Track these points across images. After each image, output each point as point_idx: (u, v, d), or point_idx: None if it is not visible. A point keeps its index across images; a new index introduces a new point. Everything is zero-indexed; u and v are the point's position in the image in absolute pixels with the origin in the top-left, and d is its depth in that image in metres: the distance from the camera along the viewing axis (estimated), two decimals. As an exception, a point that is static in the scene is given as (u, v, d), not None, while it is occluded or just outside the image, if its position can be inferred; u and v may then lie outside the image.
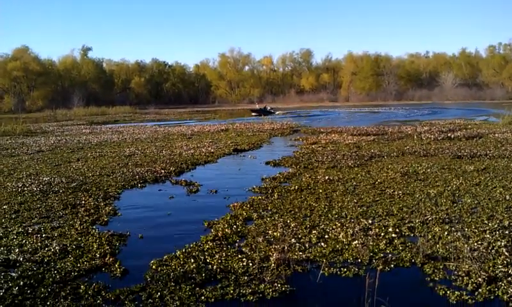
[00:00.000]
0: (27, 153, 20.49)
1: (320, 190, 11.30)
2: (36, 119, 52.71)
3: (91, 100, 79.52)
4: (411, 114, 49.57)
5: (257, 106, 56.86)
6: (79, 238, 8.17)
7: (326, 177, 12.81)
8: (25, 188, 12.36)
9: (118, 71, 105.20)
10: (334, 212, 9.25)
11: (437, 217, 8.67)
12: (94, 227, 8.93)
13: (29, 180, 13.50)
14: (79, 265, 6.93)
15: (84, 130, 33.87)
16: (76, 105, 72.07)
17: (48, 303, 5.70)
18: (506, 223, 8.13)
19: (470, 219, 8.49)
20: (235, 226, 8.56)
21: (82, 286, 6.13)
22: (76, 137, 27.87)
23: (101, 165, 16.45)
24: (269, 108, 55.91)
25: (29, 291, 6.03)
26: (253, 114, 52.10)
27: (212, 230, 8.43)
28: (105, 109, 70.00)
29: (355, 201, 10.16)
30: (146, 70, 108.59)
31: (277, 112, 54.84)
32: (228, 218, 9.14)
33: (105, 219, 9.54)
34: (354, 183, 12.12)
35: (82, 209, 10.22)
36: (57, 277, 6.46)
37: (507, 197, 10.00)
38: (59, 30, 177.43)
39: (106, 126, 38.73)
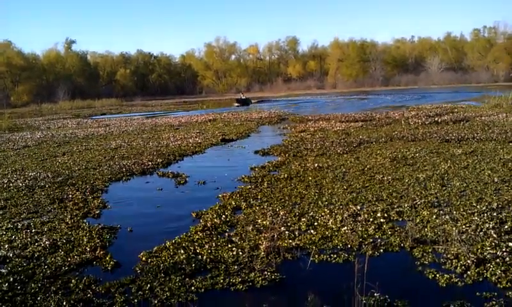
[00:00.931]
0: (13, 149, 20.24)
1: (310, 178, 11.27)
2: (22, 114, 52.02)
3: (77, 94, 78.53)
4: (398, 99, 49.63)
5: (243, 96, 56.26)
6: (69, 232, 8.13)
7: (316, 164, 12.77)
8: (11, 184, 12.24)
9: (103, 64, 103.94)
10: (324, 199, 9.25)
11: (426, 201, 8.72)
12: (85, 221, 8.88)
13: (15, 176, 13.36)
14: (69, 259, 6.88)
15: (70, 124, 33.50)
16: (62, 99, 71.18)
17: (38, 298, 5.66)
18: (495, 205, 8.21)
19: (458, 202, 8.56)
20: (223, 216, 8.54)
21: (73, 280, 6.10)
22: (62, 131, 27.56)
23: (87, 158, 16.30)
24: (244, 97, 55.78)
25: (19, 287, 5.98)
26: (236, 104, 51.37)
27: (201, 221, 8.40)
28: (91, 102, 69.31)
29: (345, 187, 10.16)
30: (132, 61, 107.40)
31: (252, 101, 55.83)
32: (217, 208, 9.10)
33: (97, 212, 9.51)
34: (344, 169, 12.10)
35: (71, 203, 10.14)
36: (48, 272, 6.42)
37: (496, 179, 10.07)
38: (41, 23, 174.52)
39: (93, 119, 38.34)
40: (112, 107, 62.30)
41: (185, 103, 63.98)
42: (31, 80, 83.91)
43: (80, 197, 10.65)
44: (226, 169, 13.48)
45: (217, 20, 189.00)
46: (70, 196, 10.80)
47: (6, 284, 6.05)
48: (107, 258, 6.86)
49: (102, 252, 7.08)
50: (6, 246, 7.52)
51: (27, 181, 12.52)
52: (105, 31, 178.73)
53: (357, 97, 60.37)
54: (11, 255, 7.12)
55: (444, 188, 9.64)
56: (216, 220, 8.28)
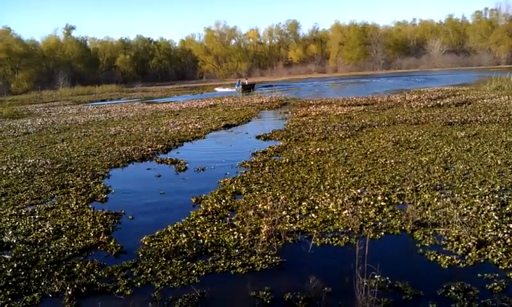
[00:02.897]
0: (13, 136, 20.22)
1: (312, 162, 11.21)
2: (22, 101, 51.83)
3: (77, 80, 78.27)
4: (400, 83, 49.26)
5: (246, 81, 54.18)
6: (73, 218, 8.15)
7: (318, 149, 12.69)
8: (10, 171, 12.22)
9: (103, 50, 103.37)
10: (326, 184, 9.21)
11: (429, 184, 8.68)
12: (90, 206, 8.91)
13: (14, 163, 13.37)
14: (73, 244, 6.89)
15: (71, 110, 33.42)
16: (62, 85, 70.97)
17: (42, 283, 5.68)
18: (497, 187, 8.21)
19: (461, 185, 8.52)
20: (223, 201, 8.52)
21: (77, 265, 6.12)
22: (63, 118, 27.51)
23: (86, 145, 16.28)
24: (247, 82, 53.45)
25: (23, 273, 6.00)
26: (235, 88, 49.75)
27: (201, 205, 8.39)
28: (91, 88, 69.01)
29: (347, 171, 10.12)
30: (131, 47, 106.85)
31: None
32: (217, 193, 9.09)
33: (104, 197, 9.57)
34: (346, 153, 12.04)
35: (73, 189, 10.14)
36: (52, 257, 6.44)
37: (499, 161, 10.03)
38: (40, 10, 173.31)
39: (93, 106, 38.24)
40: (112, 93, 62.09)
41: (185, 89, 63.73)
42: (31, 67, 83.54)
43: (81, 183, 10.62)
44: (227, 154, 13.42)
45: (217, 4, 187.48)
46: (71, 182, 10.78)
47: (10, 270, 6.07)
48: (111, 243, 6.87)
49: (105, 237, 7.10)
50: (10, 232, 7.54)
51: (26, 168, 12.52)
52: (105, 16, 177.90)
53: (356, 81, 60.04)
54: (14, 241, 7.14)
55: (447, 171, 9.59)
56: (216, 205, 8.27)
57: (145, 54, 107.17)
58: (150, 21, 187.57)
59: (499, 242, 5.98)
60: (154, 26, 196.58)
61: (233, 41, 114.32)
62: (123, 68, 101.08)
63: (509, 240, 5.97)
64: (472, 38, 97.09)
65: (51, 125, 24.01)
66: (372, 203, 7.81)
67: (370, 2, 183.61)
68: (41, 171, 12.13)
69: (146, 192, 9.93)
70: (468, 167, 9.75)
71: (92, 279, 5.70)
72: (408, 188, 8.45)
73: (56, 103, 45.16)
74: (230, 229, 7.08)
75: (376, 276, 5.02)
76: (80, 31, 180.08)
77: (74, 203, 9.06)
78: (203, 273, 5.75)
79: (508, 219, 6.68)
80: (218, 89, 53.07)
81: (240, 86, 48.89)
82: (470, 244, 5.95)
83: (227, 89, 51.55)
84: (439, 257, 5.75)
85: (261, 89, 49.40)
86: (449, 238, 6.25)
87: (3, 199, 9.65)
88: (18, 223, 8.02)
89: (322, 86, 53.82)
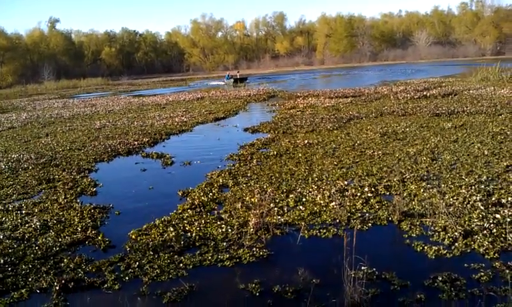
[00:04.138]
0: (-3, 131, 19.87)
1: (300, 155, 11.22)
2: (7, 95, 51.20)
3: (62, 73, 77.47)
4: (387, 75, 49.50)
5: (238, 74, 52.83)
6: (60, 213, 8.07)
7: (305, 141, 12.71)
8: (-7, 166, 12.01)
9: (88, 43, 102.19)
10: (314, 176, 9.21)
11: (416, 175, 8.74)
12: (78, 200, 8.84)
13: (-3, 158, 13.12)
14: (60, 239, 6.84)
15: (56, 104, 33.05)
16: (47, 79, 70.22)
17: (30, 279, 5.64)
18: (484, 178, 8.25)
19: (448, 176, 8.58)
20: (210, 194, 8.50)
21: (65, 260, 6.08)
22: (48, 112, 27.21)
23: (71, 139, 16.15)
24: (239, 75, 51.92)
25: (10, 269, 5.94)
26: (224, 82, 48.85)
27: (188, 198, 8.36)
28: (76, 81, 68.37)
29: (335, 163, 10.13)
30: (117, 40, 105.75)
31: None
32: (204, 186, 9.05)
33: (93, 190, 9.55)
34: (334, 145, 12.06)
35: (60, 183, 10.07)
36: (39, 253, 6.38)
37: (485, 152, 10.11)
38: (24, 2, 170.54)
39: (79, 99, 37.83)
40: (98, 86, 61.59)
41: (171, 81, 63.28)
42: (15, 60, 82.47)
43: (68, 177, 10.53)
44: (214, 147, 13.38)
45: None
46: (57, 176, 10.68)
47: (-3, 266, 6.00)
48: (99, 238, 6.82)
49: (93, 231, 7.05)
50: (-4, 228, 7.43)
51: (10, 163, 12.38)
52: (89, 9, 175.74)
53: (346, 73, 60.16)
54: (1, 237, 7.05)
55: (434, 162, 9.66)
56: (203, 198, 8.24)
57: (131, 47, 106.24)
58: (136, 13, 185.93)
59: (485, 231, 6.03)
60: (140, 18, 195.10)
61: (219, 34, 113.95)
62: (109, 61, 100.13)
63: (495, 230, 6.03)
64: (458, 30, 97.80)
65: (36, 119, 23.75)
66: (359, 194, 7.84)
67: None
68: (25, 166, 11.99)
69: (133, 186, 9.85)
70: (455, 158, 9.82)
71: (80, 274, 5.65)
72: (395, 179, 8.48)
73: (41, 97, 44.63)
74: (218, 222, 7.06)
75: (363, 267, 5.05)
76: (64, 23, 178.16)
77: (62, 197, 8.97)
78: (191, 266, 5.73)
79: (494, 208, 6.74)
80: (213, 82, 51.57)
81: (231, 79, 48.00)
82: (456, 234, 6.00)
83: (221, 82, 49.67)
84: (426, 247, 5.78)
85: (257, 80, 49.03)
86: (436, 228, 6.29)
87: (-12, 195, 9.50)
88: (5, 218, 7.92)
89: (309, 79, 53.78)
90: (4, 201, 9.01)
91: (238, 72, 58.50)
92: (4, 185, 10.26)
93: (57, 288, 5.31)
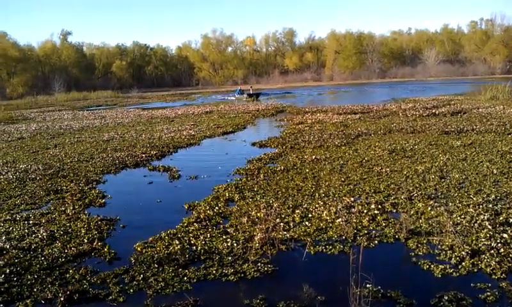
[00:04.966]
0: (6, 141, 20.09)
1: (307, 170, 11.21)
2: (18, 106, 51.67)
3: (72, 85, 78.08)
4: (397, 92, 49.41)
5: (251, 90, 50.88)
6: (67, 224, 8.11)
7: (313, 157, 12.69)
8: (1, 176, 12.14)
9: (99, 55, 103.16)
10: (321, 192, 9.18)
11: (423, 193, 8.69)
12: (86, 212, 8.89)
13: (5, 168, 13.26)
14: (66, 250, 6.86)
15: (66, 116, 33.31)
16: (57, 90, 70.73)
17: (35, 289, 5.65)
18: (492, 197, 8.20)
19: (456, 194, 8.53)
20: (216, 208, 8.50)
21: (70, 271, 6.10)
22: (58, 123, 27.42)
23: (79, 151, 16.23)
24: (252, 91, 50.19)
25: (15, 279, 5.97)
26: (235, 96, 47.91)
27: (194, 212, 8.38)
28: (87, 93, 68.86)
29: (342, 179, 10.10)
30: (128, 53, 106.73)
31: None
32: (210, 200, 9.06)
33: (102, 202, 9.62)
34: (342, 161, 12.04)
35: (68, 194, 10.11)
36: (45, 263, 6.41)
37: (494, 171, 10.05)
38: (37, 15, 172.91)
39: (88, 111, 38.13)
40: (108, 98, 61.92)
41: (180, 95, 63.60)
42: (27, 71, 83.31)
43: (76, 188, 10.59)
44: (222, 161, 13.40)
45: (214, 12, 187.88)
46: (65, 187, 10.74)
47: (3, 275, 6.03)
48: (105, 249, 6.84)
49: (99, 243, 7.08)
50: (3, 238, 7.50)
51: (17, 173, 12.48)
52: (101, 22, 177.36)
53: (358, 91, 60.20)
54: (8, 247, 7.09)
55: (443, 180, 9.61)
56: (208, 211, 8.26)
57: (141, 60, 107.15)
58: (147, 27, 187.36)
59: (492, 251, 5.98)
60: (151, 32, 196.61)
61: (229, 49, 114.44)
62: (119, 74, 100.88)
63: (502, 250, 5.97)
64: (467, 48, 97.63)
65: (45, 130, 23.94)
66: (366, 211, 7.81)
67: (366, 11, 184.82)
68: (33, 176, 12.07)
69: (140, 199, 9.90)
70: (463, 177, 9.76)
71: (85, 286, 5.67)
72: (402, 197, 8.44)
73: (51, 108, 45.00)
74: (224, 236, 7.06)
75: (368, 285, 5.01)
76: (76, 36, 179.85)
77: (70, 208, 9.02)
78: (195, 280, 5.72)
79: (501, 228, 6.69)
80: (220, 96, 51.00)
81: (244, 95, 46.84)
82: (463, 253, 5.95)
83: (232, 97, 48.56)
84: (432, 266, 5.74)
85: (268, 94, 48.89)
86: (443, 247, 6.24)
87: (-4, 205, 9.57)
88: (12, 228, 7.97)
89: (317, 95, 53.81)
90: (12, 211, 9.07)
91: (251, 87, 56.76)
92: (12, 195, 10.33)
93: (62, 299, 5.33)
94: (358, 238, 6.74)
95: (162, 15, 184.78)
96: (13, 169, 13.01)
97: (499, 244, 6.12)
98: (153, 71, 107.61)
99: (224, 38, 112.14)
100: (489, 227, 6.73)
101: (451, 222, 6.74)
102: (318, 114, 24.82)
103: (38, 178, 11.83)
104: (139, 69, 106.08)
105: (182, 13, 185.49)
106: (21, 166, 13.42)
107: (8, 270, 6.17)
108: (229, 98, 48.48)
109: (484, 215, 7.21)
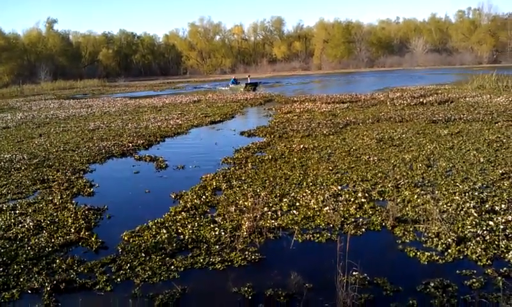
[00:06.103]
0: (-9, 130, 19.78)
1: (295, 159, 11.21)
2: (3, 95, 50.94)
3: (59, 74, 77.10)
4: (385, 81, 49.57)
5: (249, 79, 46.60)
6: (55, 214, 8.04)
7: (301, 146, 12.70)
8: (-15, 167, 11.96)
9: (85, 44, 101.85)
10: (309, 180, 9.19)
11: (410, 181, 8.75)
12: (73, 201, 8.81)
13: (-11, 158, 13.07)
14: (53, 240, 6.80)
15: (52, 105, 32.91)
16: (43, 79, 69.86)
17: (21, 279, 5.61)
18: (479, 185, 8.27)
19: (443, 182, 8.59)
20: (204, 197, 8.48)
21: (57, 261, 6.06)
22: (44, 112, 27.08)
23: (64, 140, 16.07)
24: (250, 80, 46.13)
25: (1, 269, 5.92)
26: (228, 86, 44.78)
27: (181, 201, 8.34)
28: (73, 82, 68.01)
29: (330, 168, 10.11)
30: (114, 41, 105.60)
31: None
32: (197, 189, 9.03)
33: (90, 191, 9.55)
34: (330, 151, 12.06)
35: (55, 184, 10.02)
36: (31, 253, 6.36)
37: (481, 159, 10.14)
38: (22, 2, 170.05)
39: (75, 100, 37.73)
40: (94, 87, 61.35)
41: (168, 84, 63.17)
42: (12, 60, 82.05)
43: (63, 177, 10.49)
44: (209, 151, 13.37)
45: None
46: (51, 177, 10.64)
47: (-12, 266, 5.97)
48: (93, 239, 6.80)
49: (87, 233, 7.02)
50: (-12, 228, 7.39)
51: (2, 163, 12.34)
52: (88, 10, 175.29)
53: (346, 80, 60.27)
54: (-7, 237, 7.00)
55: (429, 168, 9.67)
56: (195, 200, 8.24)
57: (128, 49, 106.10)
58: (134, 15, 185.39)
59: (478, 238, 6.03)
60: (138, 20, 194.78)
61: (217, 37, 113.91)
62: (106, 62, 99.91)
63: (488, 237, 6.04)
64: (455, 37, 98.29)
65: (31, 119, 23.64)
66: (353, 199, 7.84)
67: (355, 0, 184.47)
68: (18, 166, 11.94)
69: (127, 188, 9.86)
70: (450, 165, 9.84)
71: (72, 275, 5.62)
72: (389, 185, 8.49)
73: (37, 97, 44.40)
74: (211, 225, 7.04)
75: (356, 272, 5.04)
76: (62, 24, 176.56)
77: (58, 197, 8.94)
78: (182, 269, 5.72)
79: (487, 215, 6.75)
80: (219, 87, 48.33)
81: (240, 84, 43.60)
82: (449, 240, 6.00)
83: (225, 87, 45.83)
84: (419, 253, 5.78)
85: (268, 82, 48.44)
86: (429, 234, 6.29)
87: (-19, 195, 9.45)
88: (-2, 218, 7.87)
89: (305, 83, 53.77)
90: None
91: (249, 76, 51.13)
92: (-3, 184, 10.20)
93: (49, 288, 5.28)
94: (345, 226, 6.77)
95: (150, 2, 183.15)
96: (-3, 159, 12.84)
97: (485, 231, 6.19)
98: (141, 59, 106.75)
99: (212, 27, 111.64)
100: (475, 214, 6.79)
101: (437, 210, 6.78)
102: (306, 103, 24.82)
103: (23, 168, 11.70)
104: (126, 57, 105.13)
105: (170, 0, 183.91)
106: (5, 156, 13.26)
107: (-7, 260, 6.09)
108: (221, 88, 46.17)
109: (470, 202, 7.27)
